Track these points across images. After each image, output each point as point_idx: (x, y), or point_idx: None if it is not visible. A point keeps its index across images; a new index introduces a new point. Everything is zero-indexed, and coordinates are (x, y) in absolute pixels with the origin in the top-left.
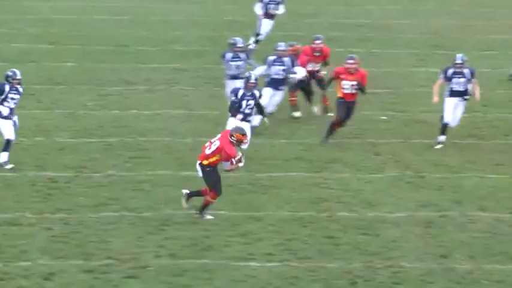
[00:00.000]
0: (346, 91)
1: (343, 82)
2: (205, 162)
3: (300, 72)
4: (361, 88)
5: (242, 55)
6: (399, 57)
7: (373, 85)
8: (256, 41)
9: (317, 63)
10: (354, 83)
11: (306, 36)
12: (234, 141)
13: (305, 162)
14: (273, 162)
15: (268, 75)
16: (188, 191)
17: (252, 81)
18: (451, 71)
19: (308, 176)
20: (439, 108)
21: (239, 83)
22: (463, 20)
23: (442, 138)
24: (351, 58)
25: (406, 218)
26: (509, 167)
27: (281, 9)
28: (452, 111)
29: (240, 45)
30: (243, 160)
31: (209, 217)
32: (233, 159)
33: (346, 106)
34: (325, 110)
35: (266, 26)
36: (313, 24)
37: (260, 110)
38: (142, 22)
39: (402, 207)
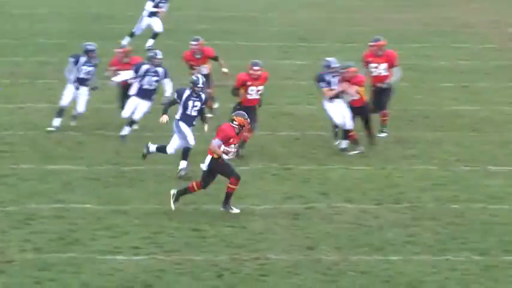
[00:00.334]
0: (251, 97)
1: (250, 88)
2: (215, 155)
3: (124, 75)
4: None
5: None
6: (264, 50)
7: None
8: (131, 35)
9: (199, 65)
10: (261, 87)
11: (174, 29)
12: (236, 126)
13: (171, 155)
14: (140, 155)
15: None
16: (175, 191)
17: (200, 85)
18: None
19: (173, 169)
20: (305, 100)
21: (84, 90)
22: (327, 13)
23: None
24: (256, 64)
25: (272, 210)
26: (374, 159)
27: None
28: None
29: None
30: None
31: (236, 210)
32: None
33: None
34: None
35: (148, 22)
36: (178, 17)
37: (202, 115)
38: (4, 14)
39: (269, 199)
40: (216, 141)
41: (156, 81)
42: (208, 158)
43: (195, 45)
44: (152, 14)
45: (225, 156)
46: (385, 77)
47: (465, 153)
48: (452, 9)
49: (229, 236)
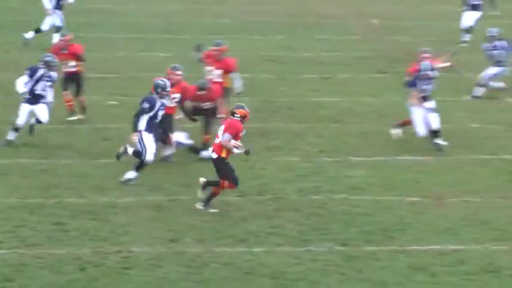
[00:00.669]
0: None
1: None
2: (223, 154)
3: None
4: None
5: None
6: (128, 42)
7: (102, 70)
8: (36, 31)
9: (65, 61)
10: (177, 96)
11: (31, 20)
12: (239, 118)
13: (34, 149)
14: (1, 148)
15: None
16: (206, 180)
17: (167, 89)
18: None
19: (37, 162)
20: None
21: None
22: (191, 4)
23: None
24: (177, 69)
25: (135, 203)
26: None
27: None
28: None
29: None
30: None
31: (214, 210)
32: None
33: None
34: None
35: (53, 19)
36: (38, 11)
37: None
38: None
39: (132, 192)
40: (226, 136)
41: (50, 86)
42: (210, 152)
43: (62, 40)
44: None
45: (236, 151)
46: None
47: (327, 145)
48: (316, 1)
49: (92, 229)
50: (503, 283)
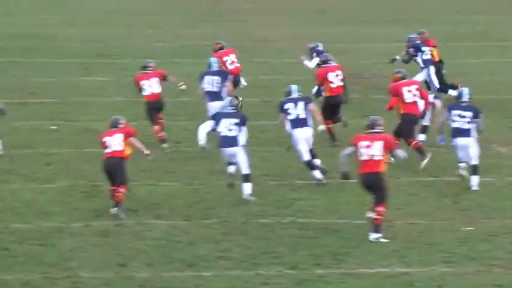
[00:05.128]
0: None
1: None
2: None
3: None
4: None
5: None
6: (64, 67)
7: (42, 95)
8: None
9: None
10: None
11: None
12: None
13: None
14: None
15: None
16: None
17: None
18: None
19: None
20: (109, 117)
21: None
22: (126, 28)
23: None
24: None
25: (82, 228)
26: (180, 174)
27: None
28: None
29: None
30: None
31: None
32: None
33: None
34: None
35: None
36: None
37: None
38: None
39: (78, 217)
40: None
41: None
42: None
43: None
44: None
45: None
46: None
47: (272, 168)
48: (251, 25)
49: (40, 254)
50: None
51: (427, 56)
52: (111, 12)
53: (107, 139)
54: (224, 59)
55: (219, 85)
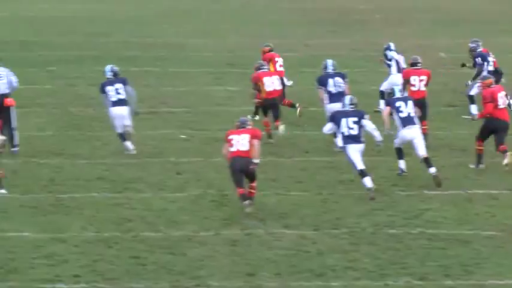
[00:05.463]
0: None
1: None
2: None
3: None
4: None
5: None
6: (195, 76)
7: (172, 104)
8: None
9: None
10: None
11: (101, 56)
12: None
13: (107, 182)
14: (75, 182)
15: None
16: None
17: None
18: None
19: (111, 196)
20: None
21: None
22: (256, 38)
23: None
24: None
25: (212, 237)
26: (309, 184)
27: None
28: None
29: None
30: None
31: None
32: None
33: None
34: None
35: None
36: (107, 44)
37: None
38: None
39: (207, 225)
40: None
41: None
42: None
43: None
44: None
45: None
46: None
47: (401, 178)
48: (379, 34)
49: (169, 263)
50: None
51: (491, 67)
52: (242, 22)
53: (233, 137)
54: (276, 59)
55: (342, 85)
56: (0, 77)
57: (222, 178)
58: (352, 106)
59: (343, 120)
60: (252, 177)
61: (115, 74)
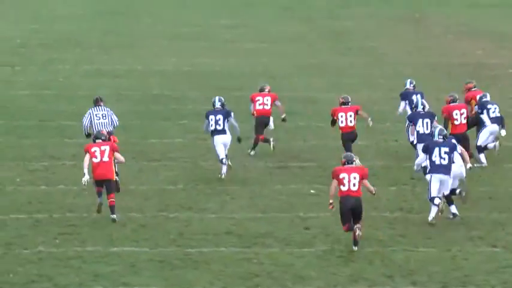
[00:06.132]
0: None
1: None
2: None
3: None
4: None
5: None
6: (326, 130)
7: (303, 158)
8: None
9: None
10: None
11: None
12: None
13: (235, 237)
14: (203, 237)
15: None
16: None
17: None
18: None
19: (239, 251)
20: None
21: None
22: (388, 93)
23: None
24: None
25: None
26: (438, 240)
27: None
28: None
29: None
30: None
31: None
32: None
33: None
34: None
35: None
36: (240, 98)
37: None
38: (67, 97)
39: (334, 281)
40: None
41: None
42: None
43: None
44: None
45: None
46: None
47: None
48: None
49: None
50: None
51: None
52: (373, 76)
53: (345, 176)
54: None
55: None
56: (104, 116)
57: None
58: (441, 137)
59: (436, 149)
60: (360, 216)
61: (222, 105)
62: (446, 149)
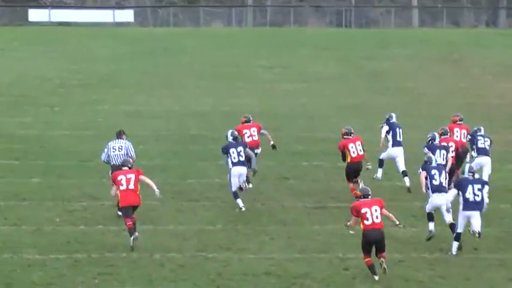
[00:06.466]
0: None
1: None
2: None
3: None
4: None
5: None
6: (363, 171)
7: (339, 199)
8: None
9: None
10: None
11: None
12: None
13: (274, 278)
14: (242, 277)
15: None
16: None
17: None
18: None
19: None
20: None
21: None
22: (426, 134)
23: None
24: None
25: None
26: (477, 282)
27: None
28: None
29: None
30: None
31: None
32: None
33: None
34: None
35: None
36: (276, 138)
37: None
38: (105, 137)
39: None
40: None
41: None
42: None
43: None
44: None
45: None
46: None
47: None
48: None
49: None
50: None
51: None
52: (411, 117)
53: (367, 210)
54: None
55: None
56: (120, 148)
57: (389, 275)
58: (470, 174)
59: (470, 187)
60: (384, 248)
61: (235, 138)
62: (479, 186)
